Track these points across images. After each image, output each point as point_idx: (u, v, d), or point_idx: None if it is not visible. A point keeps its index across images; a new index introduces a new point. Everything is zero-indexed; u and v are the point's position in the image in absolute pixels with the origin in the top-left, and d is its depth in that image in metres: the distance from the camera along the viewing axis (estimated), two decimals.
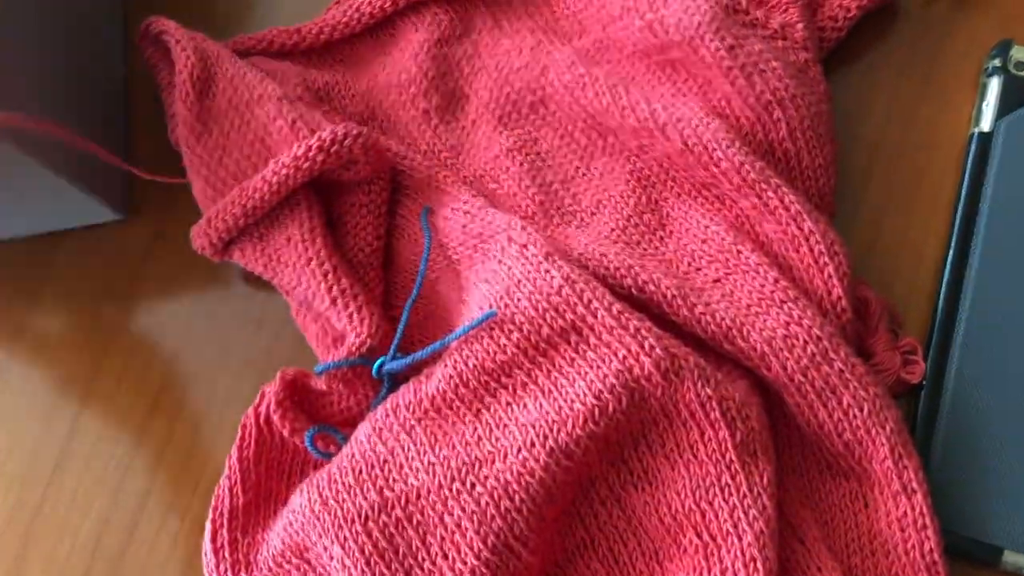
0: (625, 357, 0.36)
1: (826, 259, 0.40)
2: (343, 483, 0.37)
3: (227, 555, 0.40)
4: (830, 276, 0.39)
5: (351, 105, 0.48)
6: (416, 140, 0.47)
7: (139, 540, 0.45)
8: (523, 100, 0.46)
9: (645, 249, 0.42)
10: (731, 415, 0.36)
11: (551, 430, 0.36)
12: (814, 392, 0.37)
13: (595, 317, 0.37)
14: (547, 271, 0.37)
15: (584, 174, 0.45)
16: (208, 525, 0.41)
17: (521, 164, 0.45)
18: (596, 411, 0.36)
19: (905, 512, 0.36)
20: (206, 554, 0.41)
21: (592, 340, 0.37)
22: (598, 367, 0.37)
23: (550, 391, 0.37)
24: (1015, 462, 0.40)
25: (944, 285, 0.43)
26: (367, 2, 0.48)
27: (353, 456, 0.38)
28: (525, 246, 0.38)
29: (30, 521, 0.45)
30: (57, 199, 0.44)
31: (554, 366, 0.38)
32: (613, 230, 0.42)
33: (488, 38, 0.48)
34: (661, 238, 0.42)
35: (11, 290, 0.49)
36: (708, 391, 0.36)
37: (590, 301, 0.37)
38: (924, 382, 0.42)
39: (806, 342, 0.37)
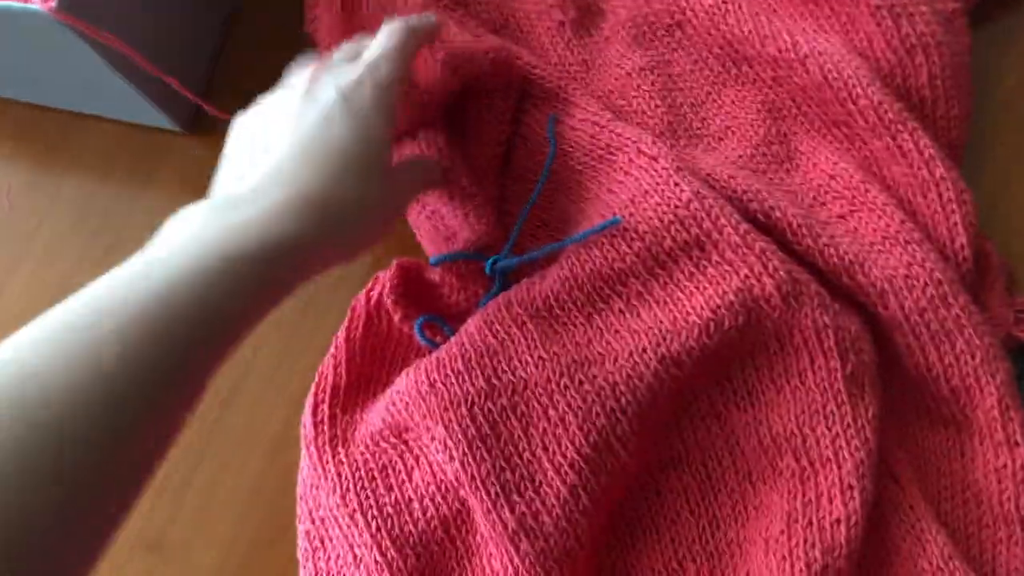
0: (747, 276, 0.37)
1: (954, 206, 0.39)
2: (452, 368, 0.38)
3: (326, 429, 0.41)
4: (956, 224, 0.39)
5: (485, 11, 0.48)
6: (548, 51, 0.47)
7: (235, 409, 0.47)
8: (660, 21, 0.46)
9: (771, 179, 0.42)
10: (845, 345, 0.36)
11: (664, 339, 0.36)
12: (928, 334, 0.37)
13: (720, 234, 0.37)
14: (676, 184, 0.37)
15: (715, 100, 0.45)
16: (309, 399, 0.42)
17: (652, 83, 0.45)
18: (712, 325, 0.36)
19: (1005, 463, 0.36)
20: (305, 426, 0.42)
21: (715, 257, 0.37)
22: (718, 283, 0.37)
23: (666, 303, 0.38)
24: None
25: None
26: None
27: (463, 344, 0.39)
28: (655, 158, 0.38)
29: None
30: (132, 100, 0.48)
31: (671, 279, 0.38)
32: (740, 156, 0.43)
33: None
34: (788, 170, 0.42)
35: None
36: (826, 319, 0.36)
37: (717, 218, 0.37)
38: None
39: (926, 284, 0.37)
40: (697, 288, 0.37)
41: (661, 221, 0.38)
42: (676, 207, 0.37)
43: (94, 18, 0.42)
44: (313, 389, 0.42)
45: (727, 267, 0.37)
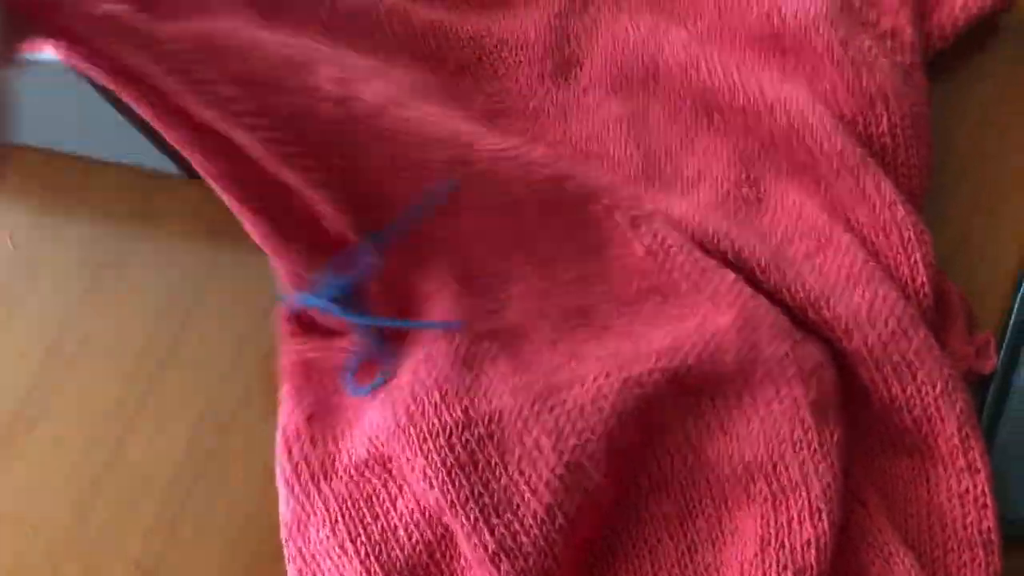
0: (705, 315, 0.39)
1: (914, 246, 0.42)
2: (430, 400, 0.40)
3: (305, 468, 0.42)
4: (916, 262, 0.41)
5: (456, 48, 0.50)
6: (526, 98, 0.50)
7: (233, 436, 0.48)
8: (636, 74, 0.49)
9: (742, 220, 0.44)
10: (806, 375, 0.38)
11: (627, 363, 0.39)
12: (891, 367, 0.39)
13: (678, 280, 0.39)
14: (631, 239, 0.40)
15: (688, 147, 0.47)
16: (280, 445, 0.44)
17: (628, 132, 0.47)
18: (672, 352, 0.39)
19: (967, 489, 0.38)
20: (284, 470, 0.43)
21: (673, 300, 0.40)
22: (678, 321, 0.40)
23: (628, 335, 0.40)
24: None
25: (1021, 290, 0.45)
26: None
27: (438, 378, 0.41)
28: (612, 209, 0.41)
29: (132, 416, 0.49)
30: (136, 144, 0.49)
31: (635, 316, 0.41)
32: (713, 199, 0.45)
33: (607, 13, 0.51)
34: (758, 211, 0.45)
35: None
36: (786, 351, 0.38)
37: (671, 269, 0.39)
38: (994, 377, 0.43)
39: (888, 319, 0.39)
40: (658, 324, 0.40)
41: (620, 272, 0.40)
42: (632, 260, 0.40)
43: None
44: (280, 437, 0.44)
45: (687, 309, 0.40)
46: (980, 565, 0.37)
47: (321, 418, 0.43)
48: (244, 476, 0.47)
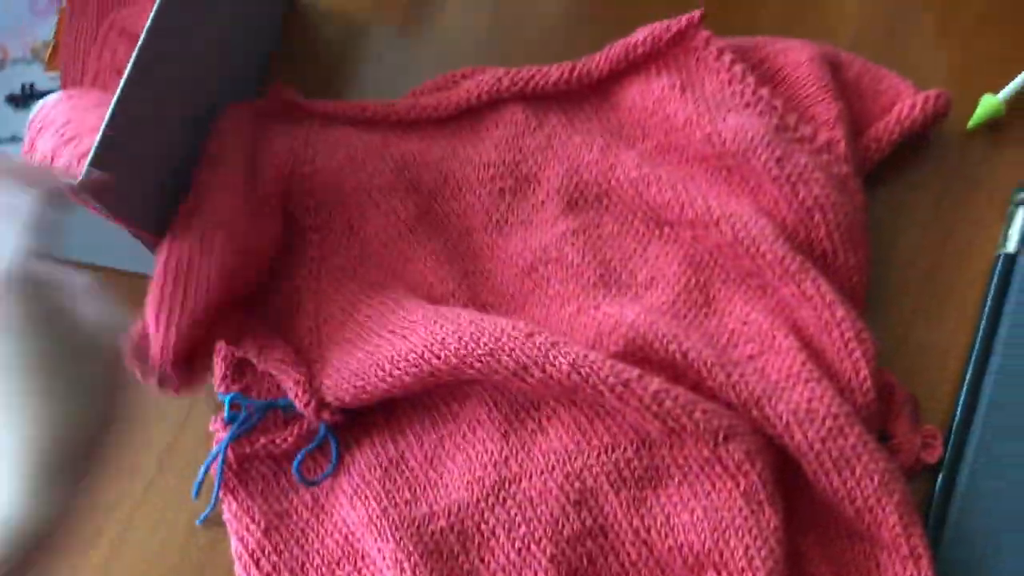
0: (635, 420, 0.43)
1: (855, 343, 0.44)
2: (401, 497, 0.45)
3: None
4: (858, 359, 0.44)
5: (426, 174, 0.54)
6: (490, 212, 0.53)
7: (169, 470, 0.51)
8: (590, 190, 0.52)
9: (691, 323, 0.47)
10: (732, 469, 0.41)
11: (569, 458, 0.43)
12: (831, 462, 0.41)
13: (602, 394, 0.42)
14: (555, 358, 0.43)
15: (641, 255, 0.50)
16: (241, 566, 0.47)
17: (584, 242, 0.51)
18: (609, 447, 0.43)
19: (912, 574, 0.40)
20: None
21: (606, 408, 0.44)
22: (612, 421, 0.44)
23: (570, 426, 0.44)
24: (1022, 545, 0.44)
25: (965, 385, 0.47)
26: (455, 95, 0.56)
27: (407, 476, 0.45)
28: (531, 335, 0.44)
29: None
30: (136, 253, 0.53)
31: (578, 409, 0.44)
32: (664, 303, 0.48)
33: (562, 133, 0.54)
34: (706, 315, 0.48)
35: None
36: (707, 450, 0.42)
37: (596, 384, 0.42)
38: (941, 468, 0.46)
39: (825, 417, 0.41)
40: (597, 415, 0.44)
41: (550, 391, 0.44)
42: (559, 379, 0.42)
43: (111, 192, 0.47)
44: (240, 558, 0.47)
45: (618, 414, 0.43)
46: None
47: (278, 527, 0.47)
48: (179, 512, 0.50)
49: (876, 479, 0.41)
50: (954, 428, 0.47)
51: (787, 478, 0.44)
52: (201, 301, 0.48)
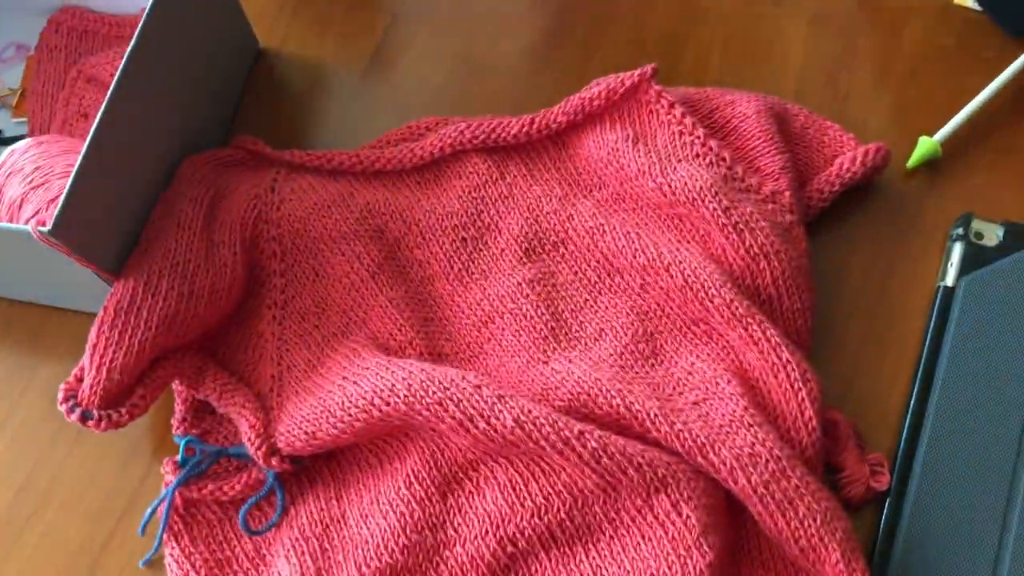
0: (571, 474, 0.44)
1: (800, 384, 0.46)
2: (333, 557, 0.46)
3: None
4: (803, 399, 0.46)
5: (391, 222, 0.56)
6: (452, 260, 0.55)
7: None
8: (548, 238, 0.54)
9: (636, 373, 0.49)
10: (662, 517, 0.42)
11: (502, 522, 0.44)
12: (775, 503, 0.42)
13: (544, 450, 0.43)
14: (500, 411, 0.44)
15: (592, 306, 0.52)
16: None
17: (539, 293, 0.52)
18: (543, 508, 0.44)
19: None
20: None
21: (544, 459, 0.45)
22: (548, 476, 0.45)
23: (506, 485, 0.45)
24: (966, 564, 0.45)
25: (909, 414, 0.49)
26: (420, 146, 0.57)
27: (342, 533, 0.46)
28: (479, 387, 0.45)
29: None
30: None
31: (513, 467, 0.45)
32: (611, 355, 0.49)
33: (522, 183, 0.56)
34: (652, 365, 0.49)
35: None
36: (640, 501, 0.43)
37: (538, 440, 0.43)
38: (888, 495, 0.47)
39: (767, 460, 0.43)
40: (533, 476, 0.45)
41: (493, 443, 0.44)
42: (503, 432, 0.44)
43: (81, 233, 0.48)
44: None
45: (555, 467, 0.44)
46: None
47: (217, 575, 0.48)
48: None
49: (819, 519, 0.42)
50: (898, 459, 0.48)
51: (736, 514, 0.45)
52: (138, 343, 0.48)
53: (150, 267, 0.50)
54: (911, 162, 0.57)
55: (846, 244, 0.56)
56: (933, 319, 0.51)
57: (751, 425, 0.44)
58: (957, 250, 0.53)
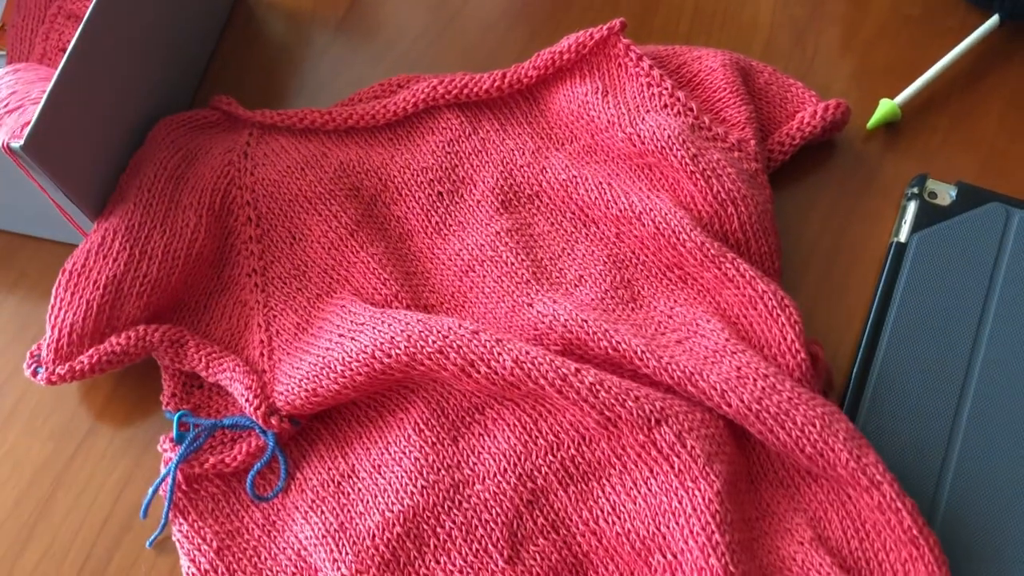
0: (572, 416, 0.45)
1: (779, 311, 0.47)
2: (355, 510, 0.46)
3: None
4: (783, 325, 0.47)
5: (366, 179, 0.56)
6: (429, 214, 0.56)
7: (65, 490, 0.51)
8: (523, 191, 0.55)
9: (619, 316, 0.50)
10: (666, 450, 0.43)
11: (519, 460, 0.45)
12: (771, 417, 0.43)
13: (543, 388, 0.44)
14: (499, 354, 0.45)
15: (569, 254, 0.53)
16: None
17: (517, 241, 0.53)
18: (555, 444, 0.44)
19: (879, 501, 0.42)
20: None
21: (547, 402, 0.45)
22: (554, 415, 0.45)
23: (515, 425, 0.46)
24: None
25: (858, 360, 0.51)
26: (392, 102, 0.58)
27: (359, 487, 0.46)
28: (476, 332, 0.45)
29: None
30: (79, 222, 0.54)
31: (520, 408, 0.46)
32: (593, 299, 0.50)
33: (495, 137, 0.57)
34: (633, 309, 0.50)
35: None
36: (643, 436, 0.43)
37: (537, 378, 0.44)
38: None
39: (755, 378, 0.43)
40: (540, 415, 0.45)
41: (495, 385, 0.45)
42: (503, 374, 0.44)
43: (53, 153, 0.48)
44: None
45: (559, 406, 0.45)
46: (919, 559, 0.41)
47: (230, 546, 0.47)
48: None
49: (818, 424, 0.42)
50: (846, 404, 0.50)
51: (743, 443, 0.46)
52: (86, 303, 0.49)
53: (106, 229, 0.51)
54: (871, 123, 0.59)
55: (806, 200, 0.58)
56: (886, 271, 0.53)
57: (735, 352, 0.45)
58: (911, 208, 0.55)
